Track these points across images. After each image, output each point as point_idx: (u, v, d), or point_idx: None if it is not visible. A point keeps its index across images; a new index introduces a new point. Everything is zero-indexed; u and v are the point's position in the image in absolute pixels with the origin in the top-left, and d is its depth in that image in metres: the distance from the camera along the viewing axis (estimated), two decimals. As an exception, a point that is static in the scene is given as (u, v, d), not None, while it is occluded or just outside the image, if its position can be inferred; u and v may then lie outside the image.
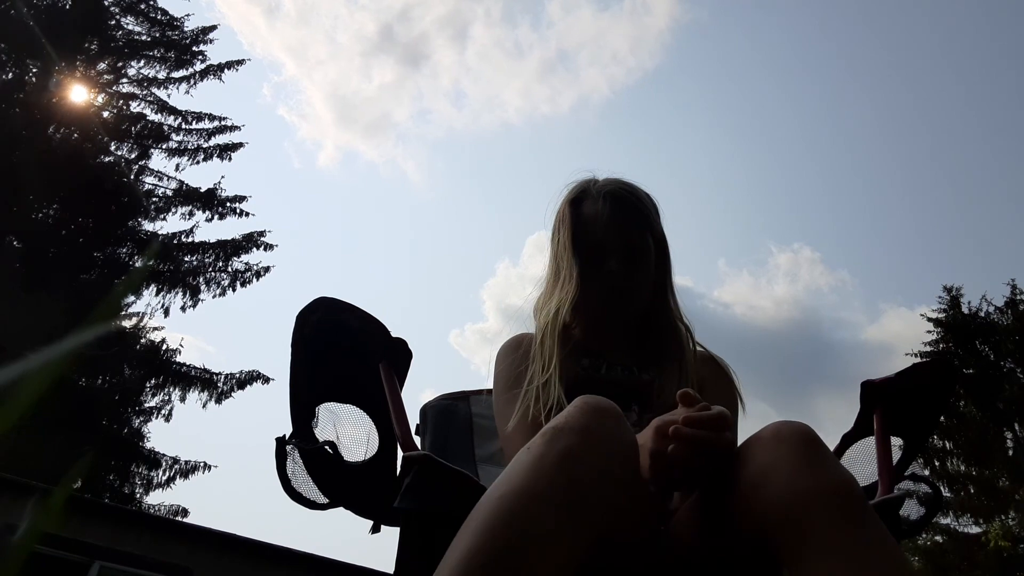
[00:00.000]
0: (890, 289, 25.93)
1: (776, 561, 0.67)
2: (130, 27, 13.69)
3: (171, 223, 13.41)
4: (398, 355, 1.04)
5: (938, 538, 12.70)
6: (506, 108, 24.44)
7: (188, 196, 13.31)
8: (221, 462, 12.63)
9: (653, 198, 1.26)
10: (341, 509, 0.99)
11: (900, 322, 24.07)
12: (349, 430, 1.02)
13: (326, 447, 0.98)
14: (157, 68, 13.73)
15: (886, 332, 24.36)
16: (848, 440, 1.07)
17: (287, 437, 0.98)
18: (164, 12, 13.89)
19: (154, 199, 13.20)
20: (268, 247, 13.33)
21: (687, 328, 1.23)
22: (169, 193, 13.30)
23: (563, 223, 1.22)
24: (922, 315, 14.48)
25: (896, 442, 1.03)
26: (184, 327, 15.11)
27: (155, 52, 13.73)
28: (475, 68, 24.18)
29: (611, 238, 1.18)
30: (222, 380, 12.65)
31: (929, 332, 14.26)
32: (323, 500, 0.98)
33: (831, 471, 0.67)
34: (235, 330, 21.94)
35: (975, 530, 12.48)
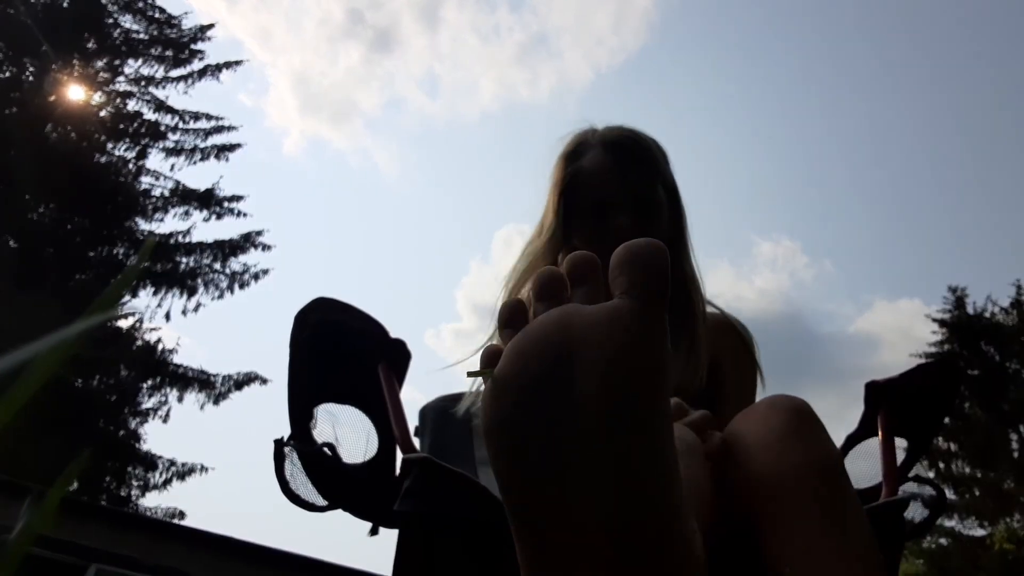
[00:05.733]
0: (875, 282, 26.06)
1: (757, 533, 0.66)
2: (128, 25, 13.69)
3: (168, 223, 13.41)
4: (397, 356, 1.03)
5: (942, 541, 12.69)
6: (482, 94, 24.31)
7: (185, 196, 13.30)
8: (218, 464, 12.63)
9: (661, 144, 1.13)
10: (340, 512, 0.98)
11: (887, 314, 24.20)
12: (348, 431, 1.03)
13: (325, 448, 0.96)
14: (154, 67, 13.73)
15: (872, 324, 24.49)
16: (852, 441, 1.06)
17: (285, 439, 0.96)
18: (162, 10, 13.89)
19: (151, 199, 13.19)
20: (266, 247, 13.33)
21: (700, 289, 1.10)
22: (166, 193, 13.29)
23: (554, 181, 1.11)
24: (926, 315, 14.51)
25: (900, 443, 1.03)
26: (181, 327, 15.11)
27: (153, 50, 13.71)
28: (449, 53, 23.99)
29: (617, 192, 1.06)
30: (220, 381, 12.63)
31: (934, 332, 14.27)
32: (322, 502, 0.98)
33: (820, 445, 0.66)
34: (231, 330, 21.95)
35: (980, 533, 12.49)
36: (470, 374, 0.48)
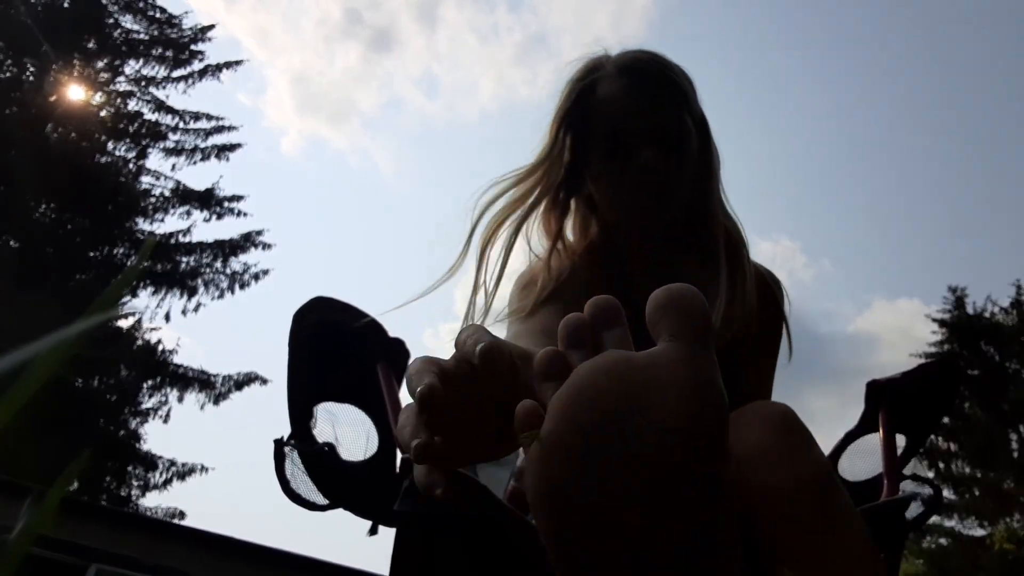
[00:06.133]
0: (874, 282, 26.06)
1: (756, 549, 0.66)
2: (128, 25, 13.67)
3: (168, 223, 13.40)
4: (396, 355, 1.02)
5: (942, 541, 12.69)
6: (481, 94, 24.20)
7: (185, 196, 13.29)
8: (218, 464, 12.63)
9: (687, 71, 0.98)
10: (340, 512, 0.97)
11: (885, 314, 24.21)
12: (348, 430, 1.02)
13: (324, 448, 0.96)
14: (155, 67, 13.72)
15: (871, 323, 24.50)
16: (851, 437, 1.06)
17: (285, 439, 0.96)
18: (163, 10, 13.89)
19: (151, 199, 13.18)
20: (266, 246, 13.33)
21: (739, 231, 0.97)
22: (167, 193, 13.28)
23: (558, 107, 0.97)
24: (926, 315, 14.49)
25: (898, 440, 1.03)
26: (181, 327, 15.09)
27: (153, 51, 13.70)
28: (448, 52, 23.84)
29: (637, 121, 0.92)
30: (220, 381, 12.62)
31: (934, 332, 14.24)
32: (323, 502, 0.98)
33: (808, 456, 0.66)
34: (231, 330, 21.93)
35: (980, 533, 12.47)
36: (519, 439, 0.43)
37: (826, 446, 1.03)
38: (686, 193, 0.94)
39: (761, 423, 0.68)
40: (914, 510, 0.95)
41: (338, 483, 0.96)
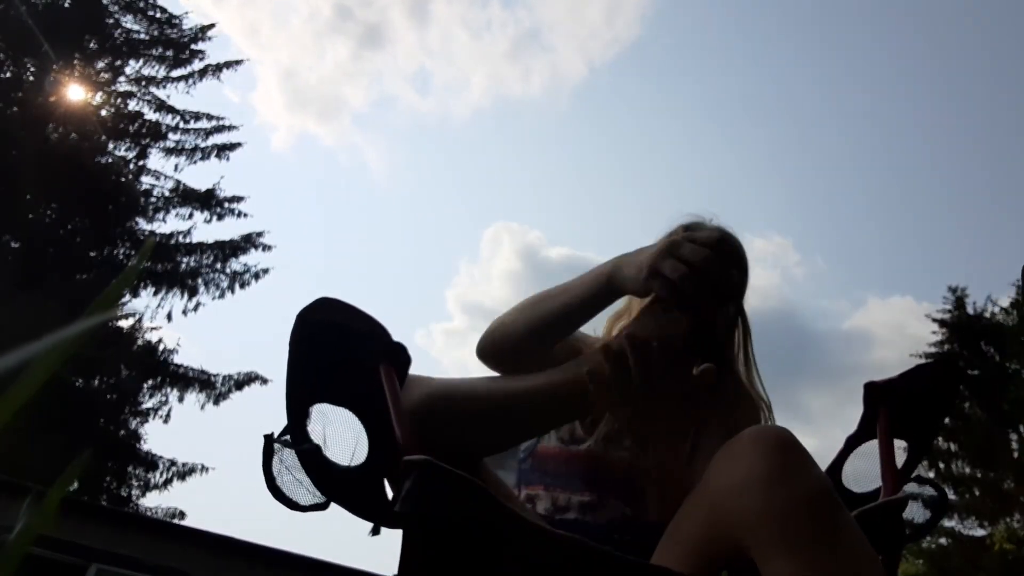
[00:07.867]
0: (868, 279, 26.02)
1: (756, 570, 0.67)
2: (128, 25, 13.68)
3: (169, 223, 13.40)
4: (398, 358, 1.03)
5: (942, 541, 12.67)
6: (473, 90, 23.95)
7: (186, 196, 13.29)
8: (219, 464, 12.62)
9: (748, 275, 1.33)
10: (339, 512, 0.98)
11: (880, 312, 24.19)
12: (337, 433, 1.00)
13: (311, 448, 0.96)
14: (155, 67, 13.72)
15: (866, 321, 24.46)
16: (852, 443, 1.05)
17: (275, 435, 0.96)
18: (163, 10, 13.89)
19: (152, 199, 13.19)
20: (266, 248, 13.33)
21: (761, 397, 1.24)
22: (167, 193, 13.29)
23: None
24: (927, 315, 14.47)
25: (901, 444, 1.02)
26: (181, 327, 15.05)
27: (154, 51, 13.70)
28: (440, 49, 23.50)
29: (715, 268, 1.22)
30: (220, 381, 12.62)
31: (934, 332, 14.22)
32: (305, 502, 0.97)
33: (807, 478, 0.67)
34: (231, 330, 21.90)
35: (980, 533, 12.46)
36: None
37: (823, 444, 1.03)
38: (718, 338, 1.19)
39: (758, 446, 0.69)
40: (920, 514, 0.95)
41: (335, 483, 0.97)
